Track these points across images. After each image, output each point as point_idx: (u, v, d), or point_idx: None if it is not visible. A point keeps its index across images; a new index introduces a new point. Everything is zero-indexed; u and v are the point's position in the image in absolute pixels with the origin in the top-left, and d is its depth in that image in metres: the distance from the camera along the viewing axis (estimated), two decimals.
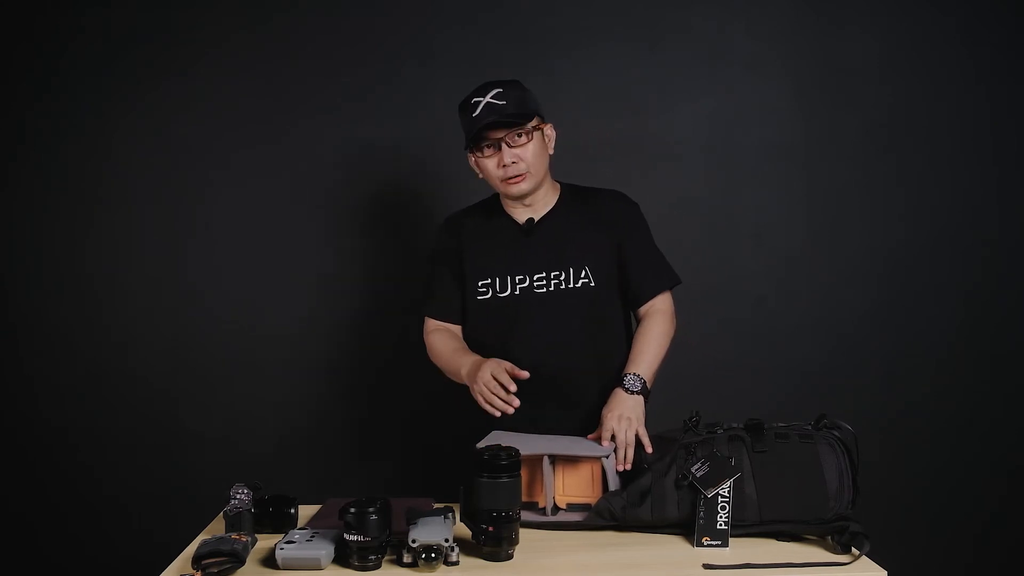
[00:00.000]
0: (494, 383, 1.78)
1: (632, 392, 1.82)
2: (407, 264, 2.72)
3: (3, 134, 2.70)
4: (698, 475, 1.57)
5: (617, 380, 1.86)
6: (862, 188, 2.75)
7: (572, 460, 1.70)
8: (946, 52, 2.75)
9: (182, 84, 2.69)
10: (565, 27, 2.71)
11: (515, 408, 1.77)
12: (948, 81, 2.75)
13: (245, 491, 1.58)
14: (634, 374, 1.84)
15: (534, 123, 1.91)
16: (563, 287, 1.93)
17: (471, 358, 1.91)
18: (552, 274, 1.93)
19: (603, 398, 1.85)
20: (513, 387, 1.77)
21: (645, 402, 1.83)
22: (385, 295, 2.73)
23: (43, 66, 2.69)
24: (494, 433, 1.79)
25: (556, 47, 2.69)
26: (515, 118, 1.87)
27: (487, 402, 1.79)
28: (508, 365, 1.80)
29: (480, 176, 1.97)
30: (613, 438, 1.74)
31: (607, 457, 1.69)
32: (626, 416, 1.76)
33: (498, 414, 1.78)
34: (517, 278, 1.94)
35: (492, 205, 2.04)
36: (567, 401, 1.92)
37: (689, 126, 2.74)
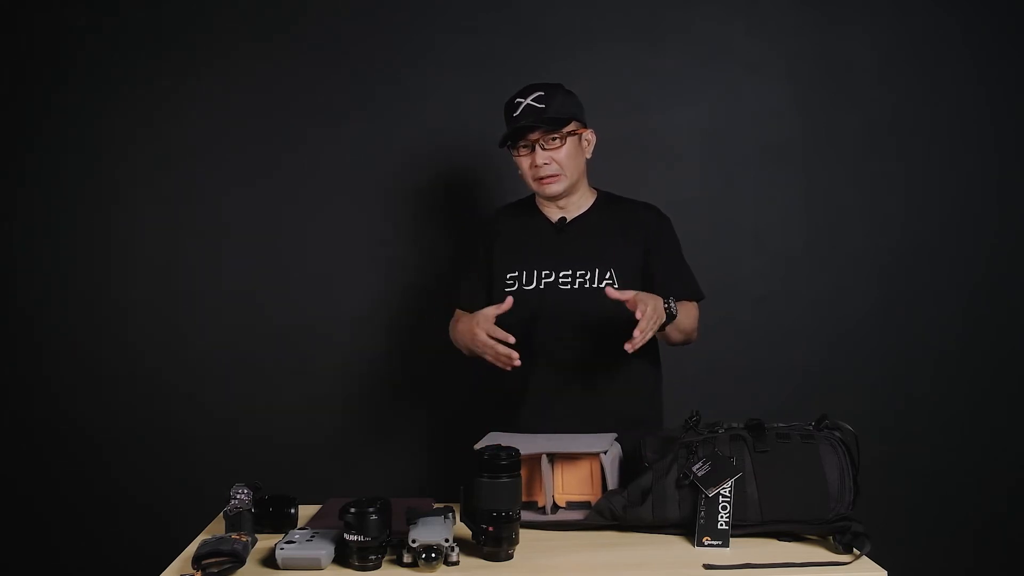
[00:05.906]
0: (491, 343, 1.80)
1: (667, 306, 1.80)
2: (407, 267, 2.72)
3: (5, 133, 2.70)
4: (699, 474, 1.57)
5: (632, 394, 1.93)
6: (862, 188, 2.75)
7: (570, 458, 1.70)
8: (946, 52, 2.75)
9: (192, 85, 2.69)
10: (565, 27, 2.71)
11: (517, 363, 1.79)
12: (948, 81, 2.75)
13: (245, 491, 1.57)
14: (675, 303, 1.84)
15: (571, 127, 1.95)
16: (587, 286, 1.96)
17: (465, 326, 1.93)
18: (578, 272, 1.97)
19: (611, 408, 1.91)
20: (511, 338, 1.79)
21: (663, 326, 1.82)
22: (386, 297, 2.73)
23: (46, 66, 2.69)
24: (491, 434, 1.78)
25: (556, 47, 2.69)
26: (550, 123, 1.91)
27: (499, 362, 1.82)
28: (491, 315, 1.82)
29: (520, 172, 2.00)
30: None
31: (605, 453, 1.69)
32: (654, 305, 1.74)
33: (515, 363, 1.79)
34: (543, 273, 1.99)
35: (528, 204, 2.10)
36: (576, 404, 1.95)
37: (689, 126, 2.74)
